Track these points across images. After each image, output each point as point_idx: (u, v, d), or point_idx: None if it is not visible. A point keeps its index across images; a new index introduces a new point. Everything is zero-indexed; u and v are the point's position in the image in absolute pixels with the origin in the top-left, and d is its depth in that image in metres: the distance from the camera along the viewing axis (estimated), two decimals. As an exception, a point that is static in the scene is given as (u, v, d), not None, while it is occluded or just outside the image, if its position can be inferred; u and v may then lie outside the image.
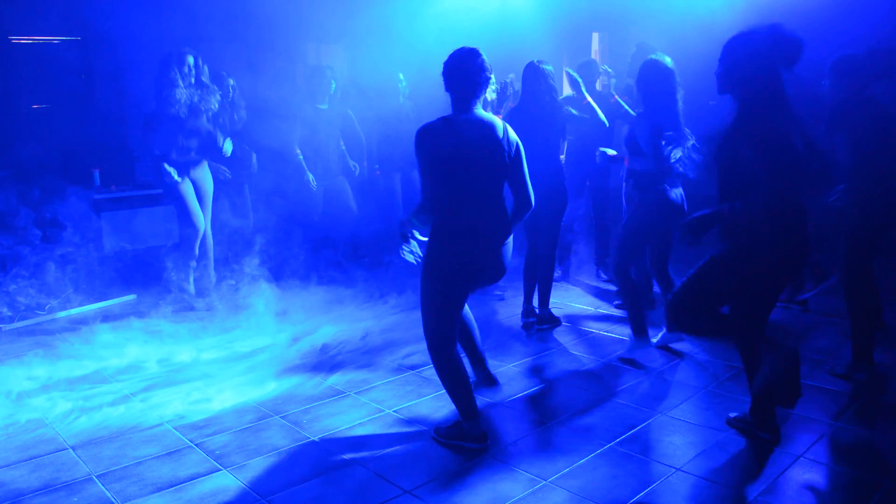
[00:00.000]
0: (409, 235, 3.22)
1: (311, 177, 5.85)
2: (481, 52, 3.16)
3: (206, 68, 5.27)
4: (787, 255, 2.96)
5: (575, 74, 4.94)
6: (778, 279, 3.07)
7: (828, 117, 3.81)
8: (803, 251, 2.99)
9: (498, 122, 3.23)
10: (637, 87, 4.29)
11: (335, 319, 5.20)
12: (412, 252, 3.23)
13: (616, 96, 5.04)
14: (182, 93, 5.12)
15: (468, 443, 3.28)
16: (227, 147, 5.40)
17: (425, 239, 3.24)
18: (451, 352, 3.26)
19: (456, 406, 3.32)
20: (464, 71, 3.12)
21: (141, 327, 5.08)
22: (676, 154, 4.09)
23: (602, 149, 4.74)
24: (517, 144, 3.25)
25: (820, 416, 3.53)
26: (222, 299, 5.63)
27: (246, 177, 5.99)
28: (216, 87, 5.35)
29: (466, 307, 3.52)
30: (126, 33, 6.27)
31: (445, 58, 3.21)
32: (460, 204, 3.13)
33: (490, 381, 3.65)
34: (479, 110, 3.20)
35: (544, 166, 4.77)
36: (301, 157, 5.82)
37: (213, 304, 5.52)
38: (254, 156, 5.92)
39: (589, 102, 4.85)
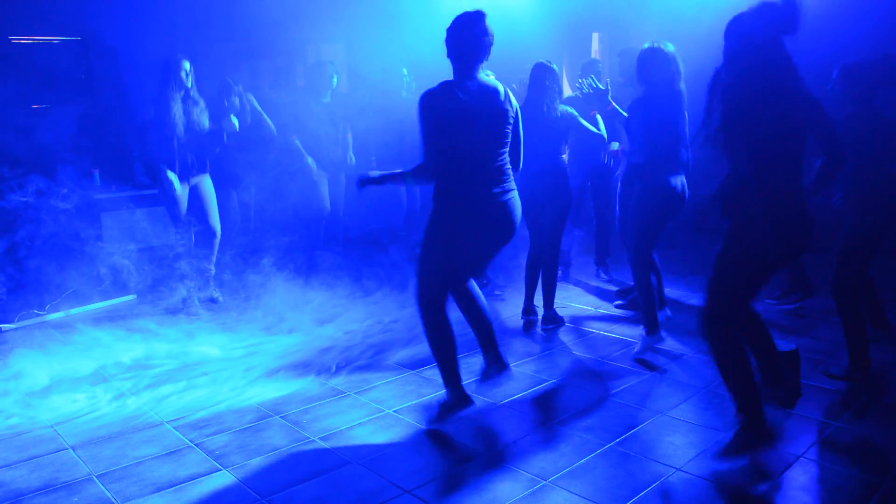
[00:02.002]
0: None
1: (310, 160, 5.84)
2: (485, 15, 3.16)
3: (195, 86, 5.28)
4: (785, 234, 2.88)
5: (597, 84, 4.99)
6: (775, 257, 2.93)
7: (842, 127, 3.79)
8: (803, 233, 2.92)
9: (500, 86, 3.26)
10: (637, 75, 4.27)
11: (335, 319, 5.20)
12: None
13: (613, 104, 5.04)
14: (178, 109, 5.15)
15: (454, 410, 3.37)
16: (234, 122, 5.42)
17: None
18: (441, 311, 3.30)
19: (440, 370, 3.38)
20: (468, 34, 3.13)
21: (140, 327, 5.09)
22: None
23: (605, 153, 4.73)
24: (517, 109, 3.31)
25: (820, 416, 3.53)
26: (222, 299, 5.63)
27: (248, 176, 5.99)
28: (204, 102, 5.37)
29: (477, 288, 3.51)
30: (126, 33, 6.26)
31: (445, 56, 3.22)
32: (465, 163, 3.16)
33: (500, 364, 3.54)
34: (482, 75, 3.23)
35: (547, 164, 4.80)
36: (297, 142, 5.83)
37: (214, 296, 5.52)
38: (270, 123, 5.89)
39: (612, 109, 4.89)
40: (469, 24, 3.15)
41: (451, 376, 3.38)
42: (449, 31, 3.20)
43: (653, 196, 4.23)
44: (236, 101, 5.72)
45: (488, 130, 3.18)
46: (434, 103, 3.13)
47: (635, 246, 4.38)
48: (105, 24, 6.27)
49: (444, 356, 3.36)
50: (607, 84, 5.04)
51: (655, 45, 4.17)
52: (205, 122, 5.34)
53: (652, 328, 4.42)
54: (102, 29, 6.32)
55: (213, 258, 5.57)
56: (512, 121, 3.29)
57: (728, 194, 2.94)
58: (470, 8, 3.21)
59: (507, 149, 3.30)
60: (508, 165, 3.31)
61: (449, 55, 3.21)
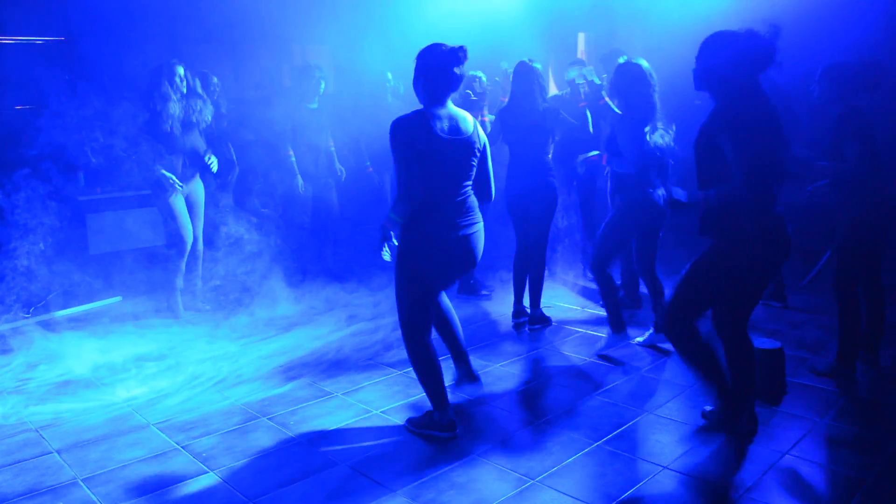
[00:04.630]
0: (388, 236, 3.22)
1: (300, 181, 5.82)
2: (458, 52, 3.16)
3: (197, 80, 5.23)
4: (769, 245, 3.04)
5: (593, 78, 5.04)
6: (762, 272, 3.12)
7: (836, 127, 3.82)
8: (784, 242, 3.08)
9: (468, 116, 3.30)
10: (614, 90, 4.36)
11: (322, 321, 5.19)
12: (391, 251, 3.24)
13: (606, 98, 5.06)
14: (175, 107, 5.09)
15: (437, 431, 3.36)
16: (213, 163, 5.33)
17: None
18: (425, 340, 3.33)
19: (427, 394, 3.40)
20: (439, 69, 3.15)
21: (127, 329, 5.06)
22: (656, 138, 4.16)
23: (581, 157, 4.84)
24: (485, 141, 3.34)
25: (805, 412, 3.56)
26: (210, 302, 5.60)
27: (231, 180, 5.96)
28: (209, 98, 5.31)
29: (448, 302, 3.57)
30: (111, 33, 6.23)
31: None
32: (432, 195, 3.18)
33: (471, 377, 3.65)
34: (451, 105, 3.26)
35: (533, 164, 4.82)
36: (293, 158, 5.79)
37: (200, 307, 5.49)
38: (236, 169, 5.89)
39: (605, 104, 4.93)
40: (447, 62, 3.13)
41: (437, 398, 3.37)
42: (422, 61, 3.18)
43: (637, 211, 4.29)
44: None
45: (456, 162, 3.20)
46: (406, 132, 3.11)
47: (597, 249, 4.44)
48: (90, 25, 6.22)
49: (431, 381, 3.36)
50: (602, 79, 5.08)
51: (634, 60, 4.27)
52: (208, 119, 5.28)
53: (616, 328, 4.51)
54: (87, 29, 6.28)
55: (199, 269, 5.52)
56: (479, 154, 3.29)
57: (714, 212, 3.02)
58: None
59: (472, 182, 3.30)
60: (473, 198, 3.31)
61: (420, 83, 3.19)
